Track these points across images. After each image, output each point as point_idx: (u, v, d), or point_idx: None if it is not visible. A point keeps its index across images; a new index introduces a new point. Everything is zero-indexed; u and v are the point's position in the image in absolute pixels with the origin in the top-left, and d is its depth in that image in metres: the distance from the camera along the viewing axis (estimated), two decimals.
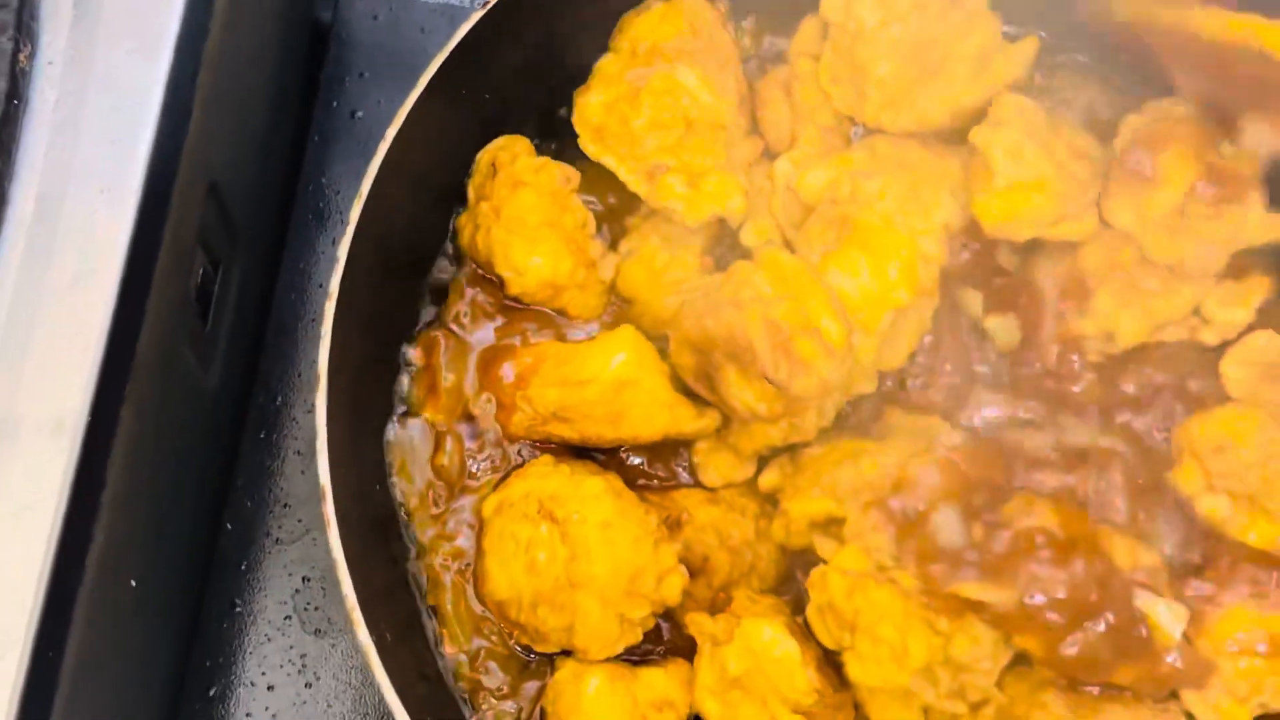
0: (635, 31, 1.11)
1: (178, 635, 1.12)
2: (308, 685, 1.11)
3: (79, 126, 0.94)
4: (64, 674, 0.87)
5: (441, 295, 1.12)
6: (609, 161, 1.09)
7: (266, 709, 1.11)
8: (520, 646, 1.03)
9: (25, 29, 0.93)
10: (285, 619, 1.13)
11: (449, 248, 1.13)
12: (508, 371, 1.04)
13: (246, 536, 1.15)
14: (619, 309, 1.11)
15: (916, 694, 0.92)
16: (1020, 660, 0.94)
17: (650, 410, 1.01)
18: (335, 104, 1.26)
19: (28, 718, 0.83)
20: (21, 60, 0.92)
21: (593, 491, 0.98)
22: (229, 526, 1.16)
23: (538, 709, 1.01)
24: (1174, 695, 0.97)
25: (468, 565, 1.04)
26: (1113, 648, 0.90)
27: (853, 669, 0.92)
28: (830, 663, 0.95)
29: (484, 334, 1.09)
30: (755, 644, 0.92)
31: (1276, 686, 0.96)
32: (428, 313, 1.12)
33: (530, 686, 1.02)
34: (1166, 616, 0.92)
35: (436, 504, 1.06)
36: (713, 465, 1.05)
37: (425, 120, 1.03)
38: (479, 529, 1.03)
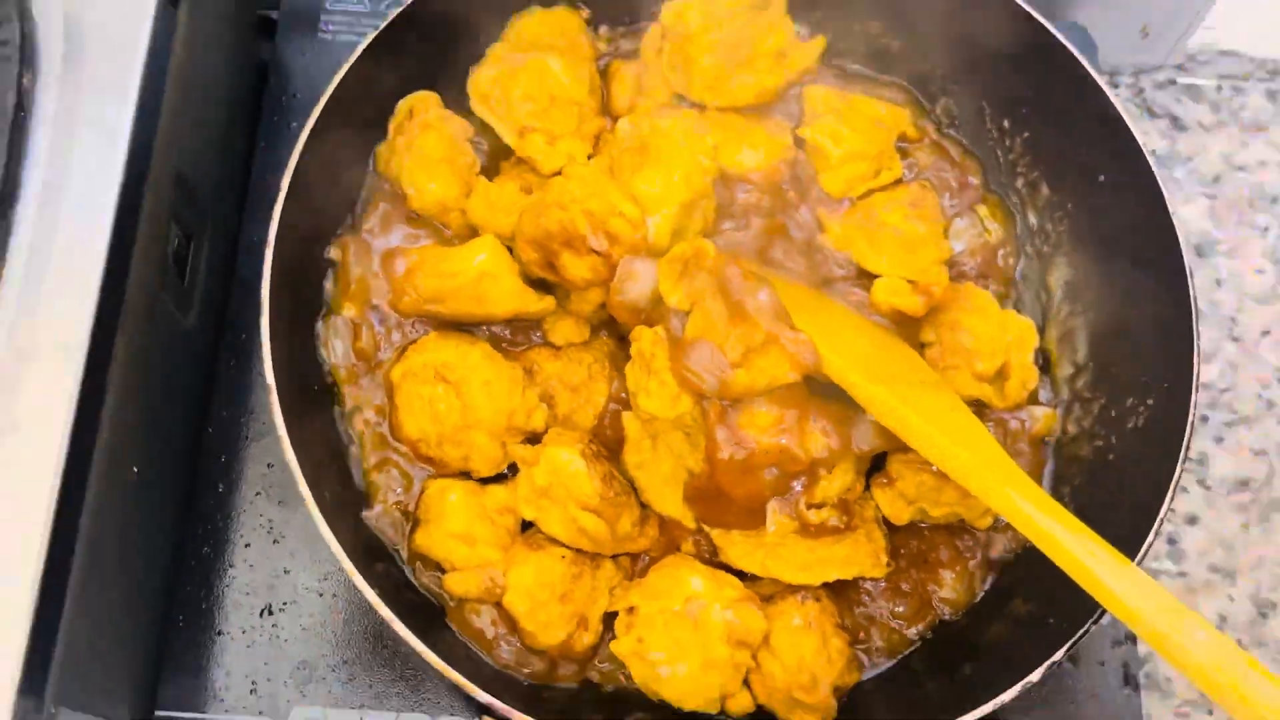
0: (519, 28, 1.13)
1: (176, 513, 1.12)
2: (275, 542, 1.11)
3: (72, 132, 0.94)
4: (80, 540, 0.88)
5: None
6: (490, 119, 1.10)
7: (245, 560, 1.11)
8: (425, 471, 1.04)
9: (27, 59, 0.94)
10: (256, 494, 1.13)
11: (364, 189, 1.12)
12: (399, 266, 1.04)
13: (224, 437, 1.15)
14: None
15: (679, 469, 0.98)
16: None
17: (504, 296, 1.02)
18: (276, 118, 1.25)
19: (50, 578, 0.83)
20: (25, 81, 0.93)
21: (475, 358, 1.01)
22: (210, 430, 1.16)
23: (413, 516, 1.03)
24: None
25: (384, 419, 1.05)
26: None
27: (643, 402, 0.96)
28: (612, 476, 0.99)
29: (387, 239, 1.09)
30: (556, 464, 0.95)
31: (935, 499, 1.00)
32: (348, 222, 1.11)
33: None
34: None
35: (359, 376, 1.06)
36: (559, 330, 1.07)
37: (340, 112, 1.02)
38: (390, 391, 1.05)
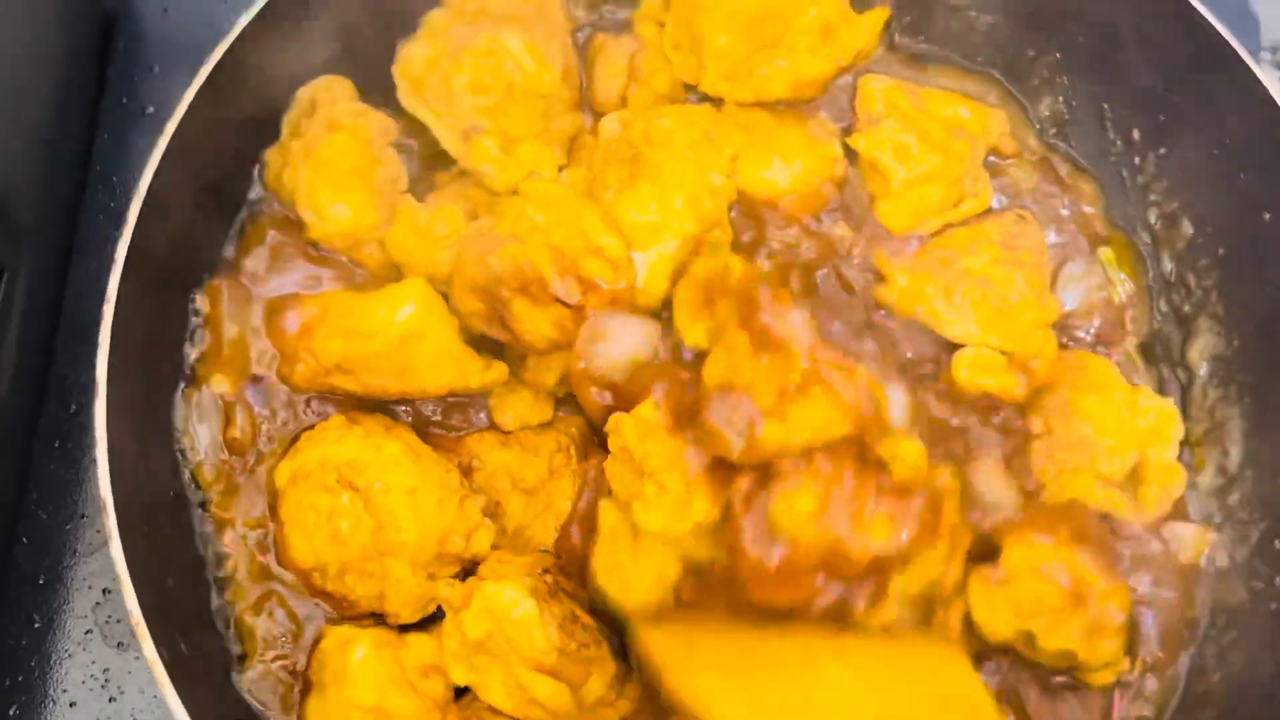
0: None
1: None
2: (111, 700, 1.03)
3: None
4: None
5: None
6: (425, 116, 1.03)
7: None
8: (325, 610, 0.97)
9: None
10: (86, 633, 1.04)
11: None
12: (292, 322, 0.97)
13: (43, 549, 1.05)
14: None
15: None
16: None
17: (437, 364, 0.95)
18: (125, 100, 1.14)
19: None
20: None
21: (392, 456, 0.93)
22: (24, 540, 1.05)
23: (304, 678, 0.96)
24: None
25: (266, 535, 0.98)
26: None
27: (638, 514, 0.90)
28: (575, 620, 0.93)
29: (276, 283, 1.02)
30: (494, 607, 0.88)
31: (1053, 626, 0.95)
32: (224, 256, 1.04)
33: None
34: None
35: (232, 479, 1.00)
36: (509, 407, 1.00)
37: (220, 99, 0.96)
38: (274, 499, 0.96)
